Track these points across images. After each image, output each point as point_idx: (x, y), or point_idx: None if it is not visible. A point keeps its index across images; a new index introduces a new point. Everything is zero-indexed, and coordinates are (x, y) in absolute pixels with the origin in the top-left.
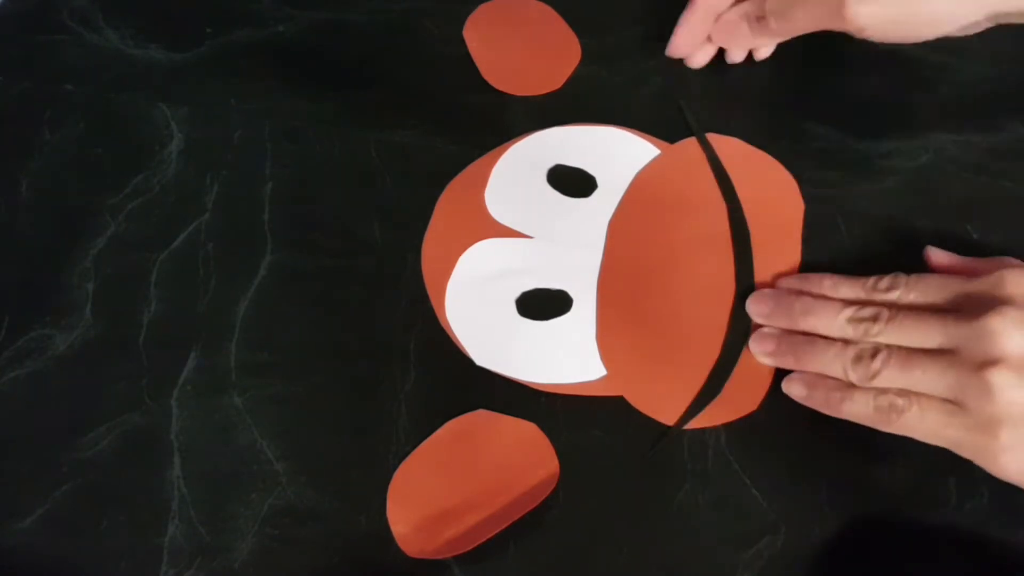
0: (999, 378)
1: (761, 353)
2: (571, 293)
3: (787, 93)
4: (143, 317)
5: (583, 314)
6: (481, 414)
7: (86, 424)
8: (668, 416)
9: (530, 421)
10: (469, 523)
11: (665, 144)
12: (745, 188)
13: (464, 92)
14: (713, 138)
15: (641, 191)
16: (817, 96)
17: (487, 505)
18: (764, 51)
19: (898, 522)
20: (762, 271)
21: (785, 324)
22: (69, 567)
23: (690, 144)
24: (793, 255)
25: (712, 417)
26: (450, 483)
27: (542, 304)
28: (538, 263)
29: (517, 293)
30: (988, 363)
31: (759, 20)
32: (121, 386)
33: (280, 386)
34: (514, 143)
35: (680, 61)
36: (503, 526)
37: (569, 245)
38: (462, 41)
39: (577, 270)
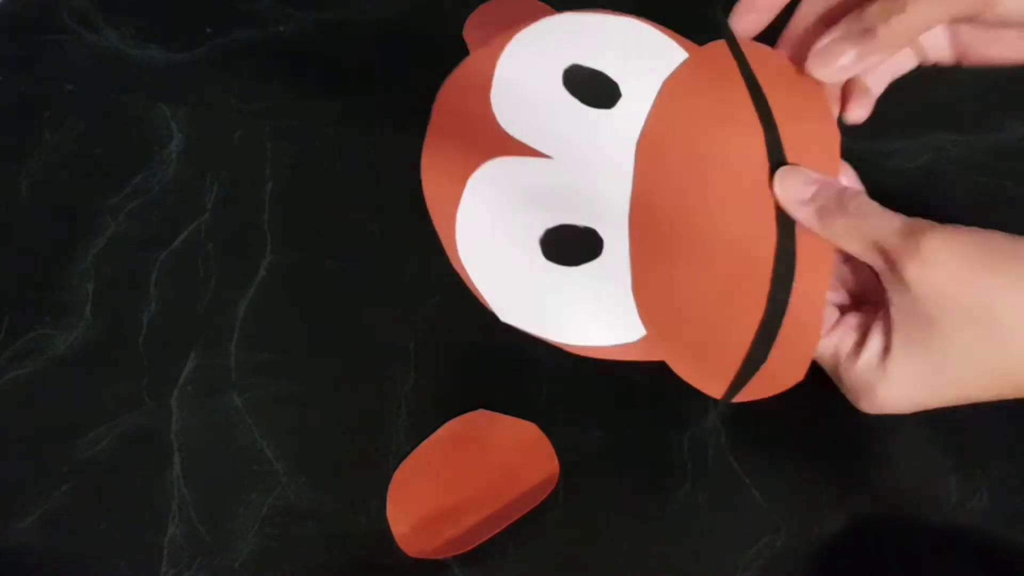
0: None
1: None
2: (600, 232)
3: None
4: (143, 317)
5: (615, 258)
6: (481, 414)
7: (86, 424)
8: (715, 388)
9: (530, 421)
10: (469, 523)
11: (694, 46)
12: (781, 110)
13: None
14: (747, 45)
15: (670, 105)
16: None
17: (487, 505)
18: (879, 86)
19: (898, 522)
20: None
21: None
22: (69, 567)
23: (719, 48)
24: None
25: (759, 389)
26: (450, 483)
27: (569, 245)
28: (560, 192)
29: (540, 231)
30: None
31: (865, 32)
32: (121, 386)
33: (280, 386)
34: (519, 30)
35: None
36: (503, 526)
37: (593, 170)
38: (462, 41)
39: (605, 202)
